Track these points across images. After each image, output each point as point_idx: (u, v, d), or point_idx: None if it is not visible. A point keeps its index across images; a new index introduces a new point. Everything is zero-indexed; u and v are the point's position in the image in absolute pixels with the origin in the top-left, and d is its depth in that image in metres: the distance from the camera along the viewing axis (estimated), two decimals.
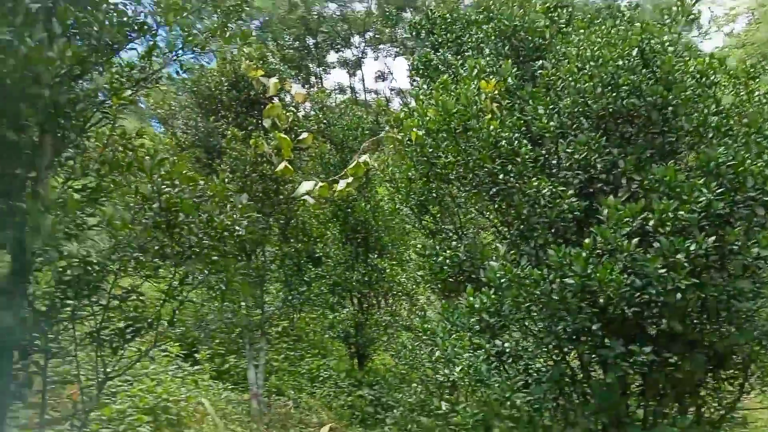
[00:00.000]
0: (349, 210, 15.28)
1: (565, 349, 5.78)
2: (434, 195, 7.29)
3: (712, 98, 5.67)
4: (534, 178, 5.61)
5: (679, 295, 4.94)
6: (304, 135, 6.94)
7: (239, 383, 12.16)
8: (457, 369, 5.51)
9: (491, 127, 5.74)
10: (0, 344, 3.76)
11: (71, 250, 3.62)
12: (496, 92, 5.98)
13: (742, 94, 5.80)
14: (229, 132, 11.90)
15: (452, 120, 6.04)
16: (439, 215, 8.07)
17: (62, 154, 4.29)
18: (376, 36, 50.17)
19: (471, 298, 5.42)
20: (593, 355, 5.59)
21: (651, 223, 5.16)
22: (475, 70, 6.05)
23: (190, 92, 13.53)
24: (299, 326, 15.71)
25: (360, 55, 52.08)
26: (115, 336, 4.36)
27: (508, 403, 5.29)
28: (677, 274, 4.88)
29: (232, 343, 13.00)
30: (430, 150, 6.64)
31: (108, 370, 4.46)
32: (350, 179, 6.87)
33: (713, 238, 4.92)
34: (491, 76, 6.17)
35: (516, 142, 5.86)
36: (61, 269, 3.96)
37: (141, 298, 4.48)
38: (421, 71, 7.96)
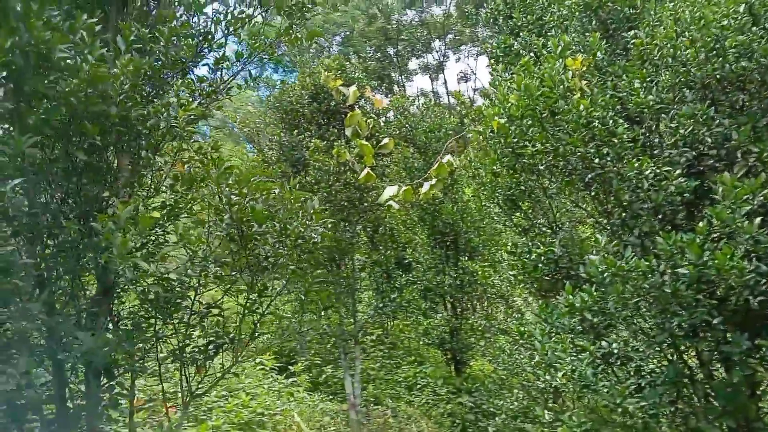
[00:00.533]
0: (436, 213, 14.99)
1: (682, 348, 5.15)
2: (523, 189, 6.84)
3: None
4: (634, 160, 5.06)
5: None
6: (386, 141, 6.72)
7: (337, 393, 12.14)
8: (559, 374, 5.04)
9: (581, 107, 5.25)
10: (86, 365, 3.77)
11: (148, 268, 3.57)
12: (584, 69, 5.50)
13: None
14: (312, 144, 11.96)
15: (537, 104, 5.60)
16: (530, 210, 7.60)
17: (138, 172, 4.29)
18: (457, 37, 49.72)
19: (570, 297, 4.95)
20: (714, 353, 4.94)
21: None
22: (560, 48, 5.58)
23: (273, 108, 13.78)
24: (393, 333, 15.55)
25: (441, 59, 51.79)
26: (197, 353, 4.30)
27: (620, 409, 4.76)
28: None
29: (327, 353, 13.02)
30: (515, 140, 6.23)
31: (193, 387, 4.41)
32: (434, 181, 6.56)
33: None
34: (578, 54, 5.68)
35: (611, 121, 5.33)
36: (142, 288, 3.94)
37: (222, 313, 4.39)
38: (500, 58, 7.55)
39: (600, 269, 4.81)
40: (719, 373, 5.53)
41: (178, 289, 3.96)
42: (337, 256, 12.12)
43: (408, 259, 15.48)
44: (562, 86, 5.35)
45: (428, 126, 17.97)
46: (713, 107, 5.22)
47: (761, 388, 5.29)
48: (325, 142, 12.36)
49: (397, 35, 50.15)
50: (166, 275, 3.88)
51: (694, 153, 5.42)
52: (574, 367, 5.01)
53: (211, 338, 4.41)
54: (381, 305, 13.33)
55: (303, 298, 8.93)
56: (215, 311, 4.37)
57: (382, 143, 7.56)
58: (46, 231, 3.75)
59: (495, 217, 12.50)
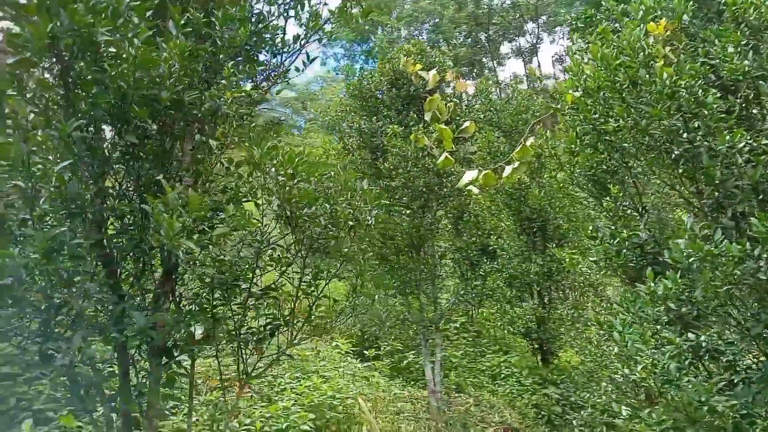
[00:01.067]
0: (522, 198, 14.50)
1: None
2: (606, 168, 6.36)
3: None
4: (726, 132, 4.53)
5: None
6: (467, 124, 6.47)
7: (418, 380, 12.04)
8: (639, 367, 4.62)
9: (665, 75, 4.76)
10: (148, 345, 3.86)
11: (196, 250, 3.58)
12: (669, 34, 4.99)
13: None
14: (390, 129, 11.86)
15: (616, 74, 5.16)
16: (619, 192, 7.07)
17: (198, 156, 4.34)
18: (551, 18, 47.80)
19: (652, 284, 4.51)
20: None
21: None
22: (641, 12, 5.09)
23: (353, 96, 13.81)
24: (478, 322, 15.23)
25: (535, 42, 50.03)
26: (252, 335, 4.30)
27: (706, 408, 4.28)
28: None
29: (409, 339, 12.94)
30: (596, 115, 5.79)
31: (249, 368, 4.43)
32: (516, 164, 6.25)
33: None
34: (661, 18, 5.16)
35: (700, 90, 4.80)
36: (199, 271, 3.98)
37: (277, 295, 4.37)
38: (581, 29, 7.06)
39: (685, 254, 4.34)
40: None
41: (230, 269, 3.96)
42: (416, 242, 11.96)
43: (493, 246, 15.09)
44: (642, 54, 4.88)
45: (514, 109, 17.39)
46: None
47: None
48: (404, 128, 12.22)
49: (488, 20, 48.96)
50: (221, 257, 3.90)
51: None
52: (656, 361, 4.57)
53: (269, 320, 4.40)
54: (462, 292, 13.06)
55: (356, 281, 8.84)
56: (272, 293, 4.36)
57: (462, 127, 7.33)
58: (109, 212, 3.86)
59: (584, 202, 11.88)
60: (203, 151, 4.28)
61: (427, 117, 6.93)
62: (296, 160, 3.90)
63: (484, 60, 52.42)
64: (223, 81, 3.92)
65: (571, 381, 11.73)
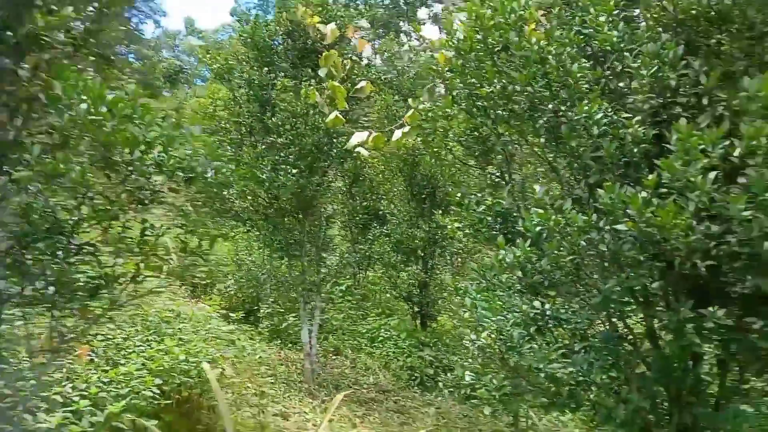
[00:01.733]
0: (415, 164, 14.45)
1: (623, 313, 4.72)
2: (477, 135, 6.28)
3: None
4: (585, 102, 4.50)
5: (767, 244, 3.74)
6: (362, 84, 6.02)
7: (296, 343, 11.85)
8: (484, 333, 4.62)
9: (533, 40, 4.65)
10: None
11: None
12: None
13: None
14: (280, 83, 11.29)
15: (489, 36, 5.00)
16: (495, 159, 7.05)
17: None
18: None
19: (502, 252, 4.47)
20: (655, 320, 4.51)
21: (737, 151, 3.94)
22: None
23: (245, 44, 13.01)
24: (365, 285, 15.22)
25: (451, 8, 50.07)
26: (69, 294, 3.82)
27: (543, 374, 4.35)
28: (767, 216, 3.68)
29: (292, 302, 12.68)
30: (471, 79, 5.66)
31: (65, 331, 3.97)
32: (407, 128, 5.93)
33: None
34: None
35: (568, 59, 4.74)
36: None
37: (96, 252, 3.88)
38: None
39: (535, 223, 4.32)
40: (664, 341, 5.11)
41: (41, 221, 3.45)
42: (303, 203, 11.60)
43: (384, 210, 15.02)
44: (514, 15, 4.74)
45: (416, 73, 17.23)
46: (683, 47, 4.62)
47: (705, 360, 4.89)
48: (296, 83, 11.68)
49: None
50: (28, 204, 3.38)
51: (660, 100, 4.85)
52: (501, 327, 4.57)
53: (88, 279, 3.93)
54: (348, 256, 12.93)
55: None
56: (87, 248, 3.86)
57: (358, 86, 6.95)
58: None
59: (471, 171, 11.96)
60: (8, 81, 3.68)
61: (322, 73, 6.48)
62: (109, 96, 3.39)
63: (401, 23, 51.96)
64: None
65: (443, 344, 12.00)
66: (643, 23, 5.18)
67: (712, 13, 4.65)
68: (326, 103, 6.80)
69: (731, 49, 4.71)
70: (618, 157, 4.63)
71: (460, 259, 13.58)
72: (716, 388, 5.05)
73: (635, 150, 4.58)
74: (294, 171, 10.98)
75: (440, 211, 13.89)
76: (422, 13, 51.20)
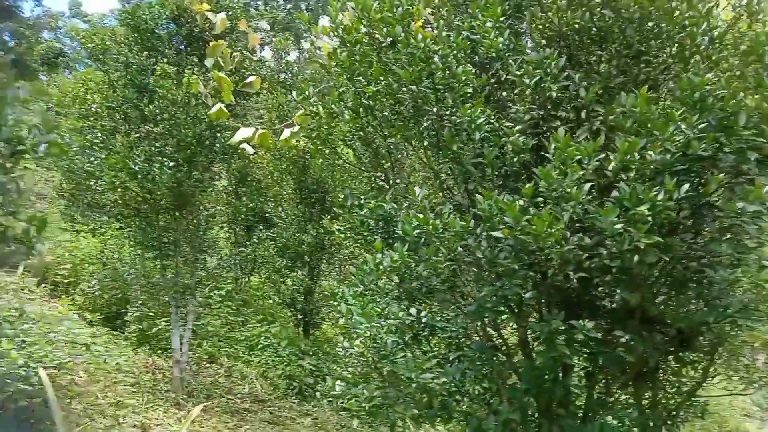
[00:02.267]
0: (306, 167, 14.06)
1: (498, 322, 4.65)
2: (363, 135, 6.05)
3: (704, 16, 4.45)
4: (468, 105, 4.39)
5: (637, 258, 3.79)
6: (252, 78, 5.55)
7: (167, 349, 11.02)
8: (357, 340, 4.37)
9: (420, 36, 4.49)
10: None
11: None
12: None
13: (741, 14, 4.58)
14: (160, 68, 10.51)
15: (376, 30, 4.80)
16: (387, 163, 6.85)
17: None
18: None
19: (378, 256, 4.24)
20: (528, 331, 4.48)
21: (611, 165, 3.99)
22: None
23: (125, 25, 12.05)
24: (247, 290, 14.58)
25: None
26: None
27: (415, 384, 4.17)
28: (637, 230, 3.72)
29: (164, 305, 11.80)
30: (358, 77, 5.43)
31: None
32: (296, 128, 5.51)
33: (687, 186, 3.75)
34: None
35: (454, 61, 4.62)
36: None
37: None
38: None
39: (414, 227, 4.13)
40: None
41: None
42: (180, 199, 10.84)
43: (271, 213, 14.50)
44: (401, 9, 4.57)
45: (311, 75, 16.87)
46: (565, 59, 4.66)
47: (574, 372, 4.94)
48: (178, 69, 10.93)
49: None
50: None
51: (541, 112, 4.87)
52: (375, 335, 4.34)
53: None
54: (227, 258, 12.29)
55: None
56: None
57: (246, 81, 6.45)
58: None
59: (361, 175, 11.75)
60: None
61: (208, 63, 5.92)
62: None
63: (301, 29, 51.34)
64: None
65: (324, 353, 11.68)
66: (529, 34, 5.22)
67: (594, 29, 4.73)
68: (210, 95, 6.30)
69: (610, 66, 4.82)
70: (498, 165, 4.56)
71: (347, 266, 13.35)
72: (584, 400, 5.12)
73: (515, 159, 4.53)
74: (171, 164, 10.23)
75: (329, 217, 13.62)
76: (325, 21, 51.03)
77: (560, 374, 4.78)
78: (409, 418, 4.43)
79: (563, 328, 4.06)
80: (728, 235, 4.14)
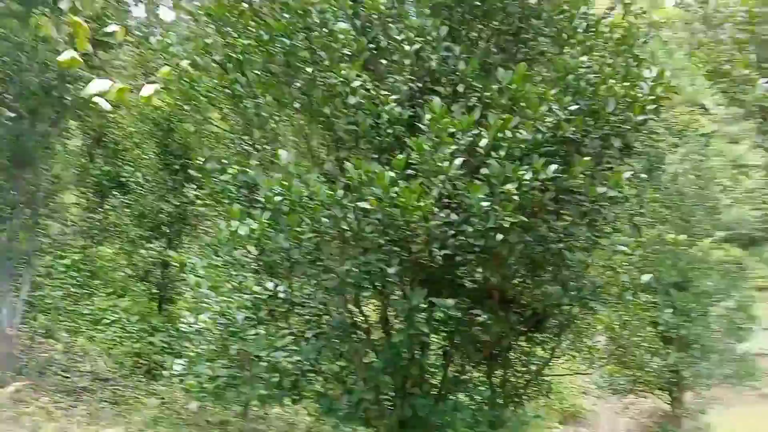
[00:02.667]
0: (171, 130, 13.02)
1: (359, 299, 4.45)
2: (229, 92, 5.55)
3: (583, 1, 4.49)
4: (344, 65, 4.10)
5: (500, 236, 3.74)
6: (115, 28, 4.85)
7: None
8: (203, 316, 3.97)
9: None
10: None
11: None
12: None
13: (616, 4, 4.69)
14: (4, 5, 9.14)
15: None
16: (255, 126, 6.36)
17: None
18: None
19: (234, 224, 3.85)
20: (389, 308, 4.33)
21: (483, 142, 3.90)
22: None
23: None
24: (96, 261, 13.32)
25: None
26: None
27: (263, 363, 3.86)
28: (503, 209, 3.67)
29: None
30: (227, 27, 4.96)
31: None
32: (158, 85, 4.86)
33: (554, 167, 3.75)
34: None
35: (332, 17, 4.30)
36: None
37: None
38: None
39: (276, 193, 3.79)
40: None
41: None
42: (20, 155, 9.55)
43: (127, 178, 13.30)
44: None
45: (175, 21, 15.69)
46: (447, 31, 4.50)
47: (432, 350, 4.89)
48: (26, 9, 9.58)
49: None
50: None
51: (419, 84, 4.70)
52: (223, 310, 3.95)
53: None
54: (75, 224, 11.12)
55: None
56: None
57: (107, 29, 5.60)
58: None
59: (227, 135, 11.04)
60: None
61: (64, 5, 5.11)
62: None
63: None
64: None
65: (175, 329, 10.94)
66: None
67: (477, 2, 4.61)
68: (63, 41, 5.45)
69: (490, 43, 4.76)
70: (372, 135, 4.33)
71: (208, 237, 12.60)
72: (439, 379, 5.09)
73: (389, 130, 4.32)
74: (10, 114, 8.98)
75: (194, 186, 12.76)
76: None
77: (417, 353, 4.69)
78: (256, 398, 4.10)
79: (424, 305, 3.94)
80: (587, 220, 4.25)
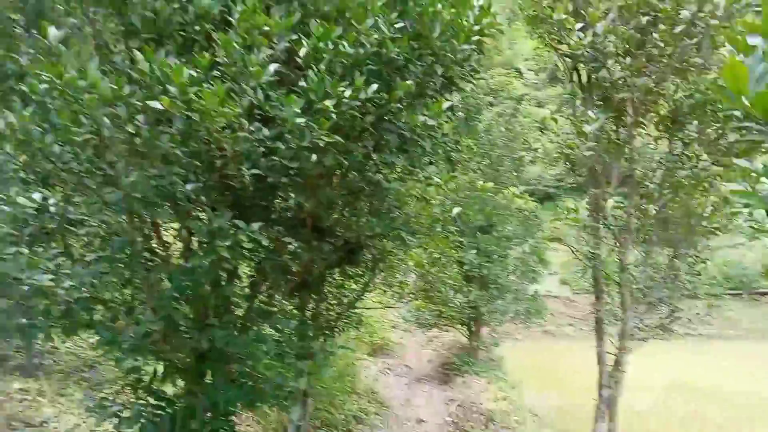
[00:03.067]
0: None
1: (153, 218, 3.92)
2: None
3: None
4: None
5: (315, 157, 3.45)
6: None
7: None
8: None
9: None
10: None
11: None
12: None
13: None
14: None
15: None
16: None
17: None
18: None
19: None
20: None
21: (302, 51, 3.52)
22: None
23: None
24: None
25: None
26: None
27: (24, 287, 3.22)
28: (320, 127, 3.36)
29: None
30: None
31: None
32: None
33: (375, 86, 3.51)
34: None
35: None
36: None
37: None
38: None
39: (41, 80, 3.07)
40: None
41: None
42: None
43: None
44: None
45: None
46: None
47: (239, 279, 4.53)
48: None
49: None
50: None
51: None
52: None
53: None
54: None
55: None
56: None
57: None
58: None
59: None
60: None
61: None
62: None
63: None
64: None
65: None
66: None
67: None
68: None
69: None
70: (177, 27, 3.72)
71: None
72: (245, 309, 4.77)
73: (197, 26, 3.74)
74: None
75: None
76: None
77: (224, 282, 4.31)
78: (14, 328, 3.45)
79: (230, 230, 3.54)
80: (406, 149, 4.11)
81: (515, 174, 14.58)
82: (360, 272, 7.10)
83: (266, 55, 3.40)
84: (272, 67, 3.32)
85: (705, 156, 5.26)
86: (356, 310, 7.69)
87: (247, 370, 4.32)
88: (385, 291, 8.67)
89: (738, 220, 5.81)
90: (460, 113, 4.70)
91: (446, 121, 4.68)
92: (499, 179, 13.68)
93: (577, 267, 25.19)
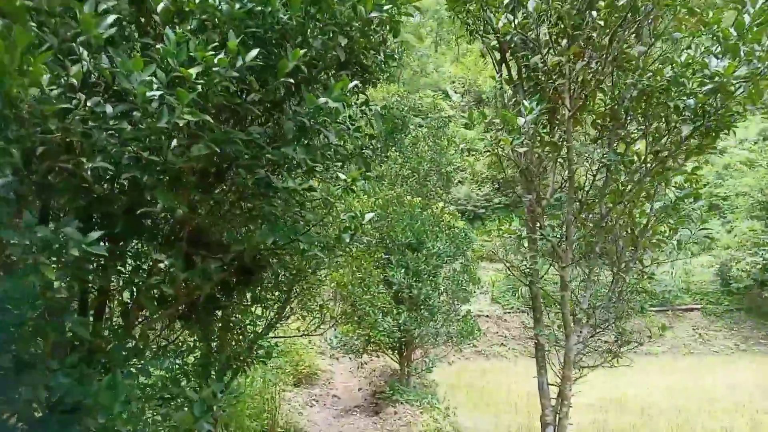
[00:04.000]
0: None
1: None
2: None
3: None
4: None
5: (175, 143, 2.61)
6: None
7: None
8: None
9: None
10: None
11: None
12: None
13: None
14: None
15: None
16: None
17: None
18: None
19: None
20: None
21: (161, 5, 2.68)
22: None
23: None
24: None
25: None
26: None
27: None
28: (180, 101, 2.52)
29: None
30: None
31: None
32: None
33: (255, 52, 2.70)
34: None
35: None
36: None
37: None
38: None
39: None
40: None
41: None
42: None
43: None
44: None
45: None
46: None
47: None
48: None
49: None
50: None
51: None
52: None
53: None
54: None
55: None
56: None
57: None
58: None
59: None
60: None
61: None
62: None
63: None
64: None
65: None
66: None
67: None
68: None
69: None
70: None
71: None
72: (112, 347, 3.79)
73: None
74: None
75: None
76: None
77: (72, 313, 3.34)
78: None
79: (58, 242, 2.61)
80: (304, 140, 3.31)
81: (442, 191, 14.07)
82: (271, 296, 6.22)
83: (109, 5, 2.54)
84: (111, 17, 2.46)
85: (650, 158, 4.75)
86: (272, 340, 6.80)
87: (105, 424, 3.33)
88: (304, 317, 7.78)
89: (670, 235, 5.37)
90: (375, 106, 3.96)
91: (359, 116, 3.96)
92: (428, 193, 13.10)
93: (508, 285, 25.07)
